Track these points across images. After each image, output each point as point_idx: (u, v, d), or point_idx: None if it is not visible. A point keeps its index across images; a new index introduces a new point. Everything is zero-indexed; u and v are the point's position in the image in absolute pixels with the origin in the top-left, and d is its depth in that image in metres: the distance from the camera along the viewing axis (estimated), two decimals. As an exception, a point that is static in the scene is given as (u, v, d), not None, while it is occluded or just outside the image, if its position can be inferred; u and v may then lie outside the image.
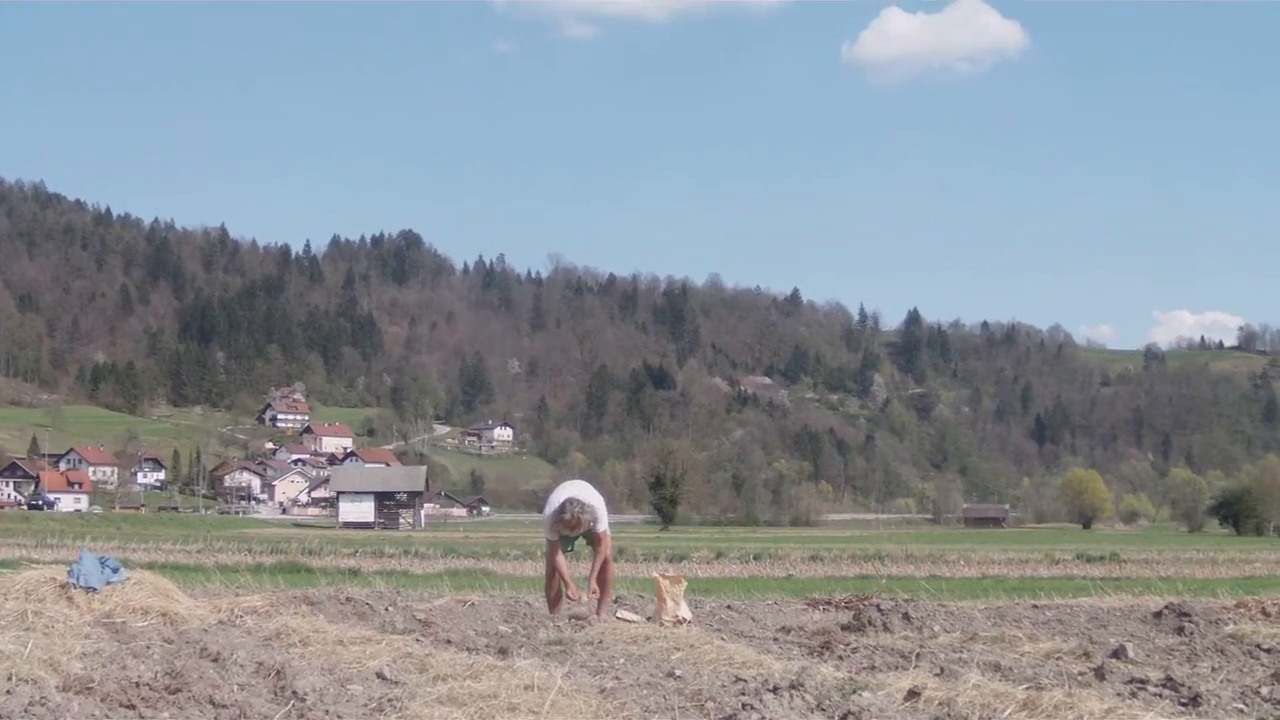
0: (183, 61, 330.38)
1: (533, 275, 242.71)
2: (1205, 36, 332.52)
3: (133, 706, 5.39)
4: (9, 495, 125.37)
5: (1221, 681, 6.64)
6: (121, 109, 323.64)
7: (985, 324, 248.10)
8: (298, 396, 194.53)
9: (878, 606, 10.57)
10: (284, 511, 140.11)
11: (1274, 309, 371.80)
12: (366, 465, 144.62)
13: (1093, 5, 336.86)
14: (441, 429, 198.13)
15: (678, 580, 10.39)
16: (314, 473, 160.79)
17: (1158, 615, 10.68)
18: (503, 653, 7.62)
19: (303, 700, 5.66)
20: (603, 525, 10.45)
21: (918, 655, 7.74)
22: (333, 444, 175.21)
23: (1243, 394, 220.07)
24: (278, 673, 6.37)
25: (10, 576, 9.99)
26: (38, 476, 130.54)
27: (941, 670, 6.87)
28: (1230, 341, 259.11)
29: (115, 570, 10.21)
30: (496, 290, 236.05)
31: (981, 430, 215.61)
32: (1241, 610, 10.95)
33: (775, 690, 5.73)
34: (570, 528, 10.34)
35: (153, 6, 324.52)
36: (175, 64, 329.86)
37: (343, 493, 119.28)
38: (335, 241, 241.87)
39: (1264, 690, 6.33)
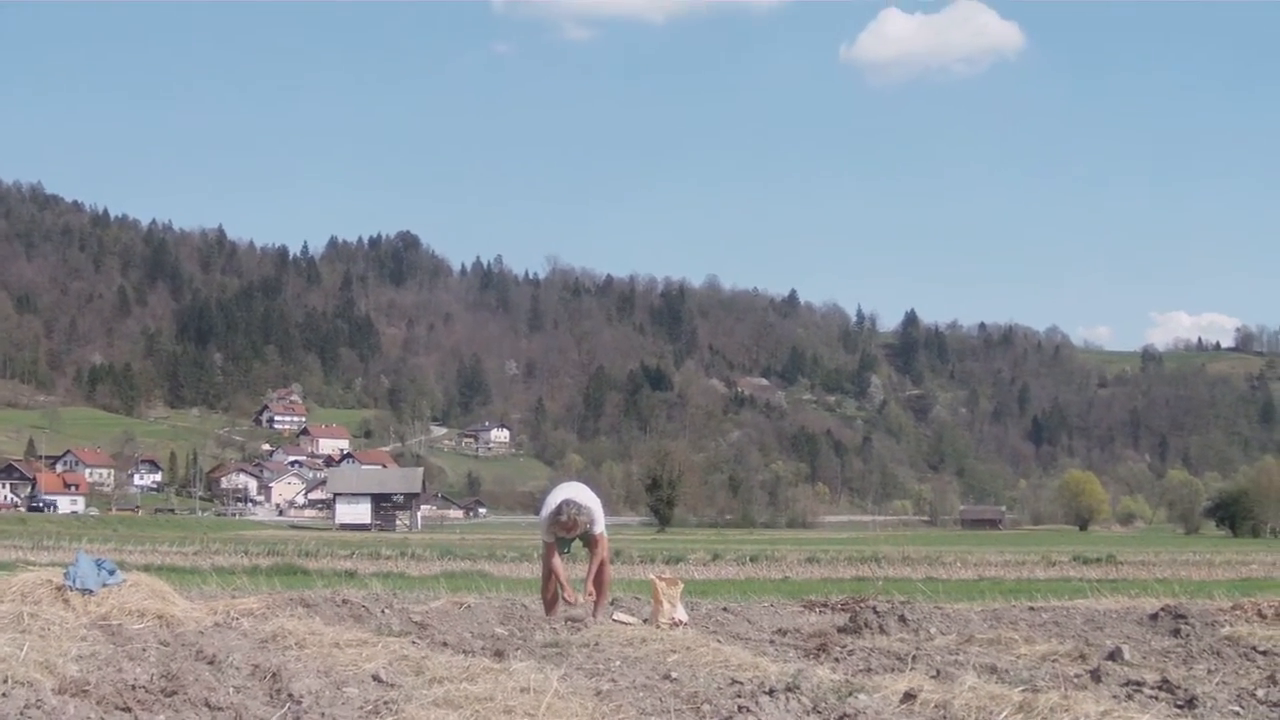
0: (181, 62, 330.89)
1: (530, 276, 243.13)
2: (1203, 37, 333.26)
3: (128, 709, 5.39)
4: (6, 497, 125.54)
5: (1217, 684, 6.64)
6: (119, 110, 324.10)
7: (982, 325, 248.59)
8: (295, 398, 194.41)
9: (874, 609, 10.57)
10: (280, 513, 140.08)
11: (1271, 310, 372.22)
12: (363, 467, 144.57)
13: (1091, 6, 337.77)
14: (438, 430, 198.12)
15: (674, 582, 10.37)
16: (310, 474, 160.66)
17: (1154, 617, 10.70)
18: (499, 655, 7.62)
19: (298, 703, 5.66)
20: (599, 527, 10.43)
21: (914, 657, 7.74)
22: (329, 445, 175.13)
23: (1240, 395, 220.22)
24: (274, 675, 6.37)
25: (6, 579, 9.99)
26: (35, 478, 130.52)
27: (938, 672, 6.88)
28: (1227, 343, 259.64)
29: (112, 572, 10.21)
30: (494, 291, 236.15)
31: (978, 432, 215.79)
32: (1238, 612, 10.95)
33: (771, 693, 5.74)
34: (567, 529, 10.31)
35: (152, 7, 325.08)
36: (173, 65, 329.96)
37: (339, 494, 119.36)
38: (333, 243, 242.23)
39: (1260, 692, 6.34)
